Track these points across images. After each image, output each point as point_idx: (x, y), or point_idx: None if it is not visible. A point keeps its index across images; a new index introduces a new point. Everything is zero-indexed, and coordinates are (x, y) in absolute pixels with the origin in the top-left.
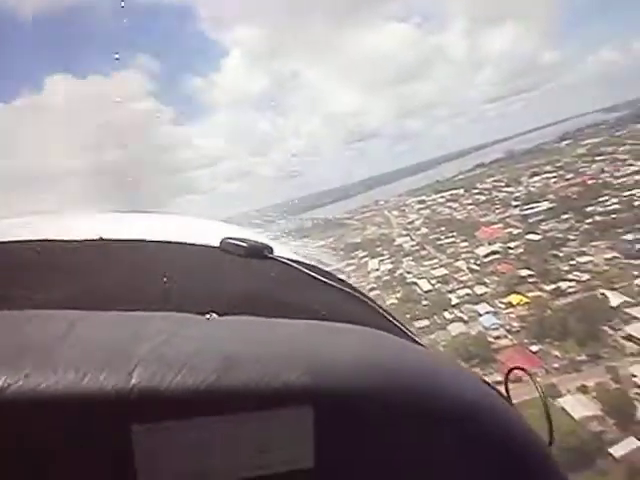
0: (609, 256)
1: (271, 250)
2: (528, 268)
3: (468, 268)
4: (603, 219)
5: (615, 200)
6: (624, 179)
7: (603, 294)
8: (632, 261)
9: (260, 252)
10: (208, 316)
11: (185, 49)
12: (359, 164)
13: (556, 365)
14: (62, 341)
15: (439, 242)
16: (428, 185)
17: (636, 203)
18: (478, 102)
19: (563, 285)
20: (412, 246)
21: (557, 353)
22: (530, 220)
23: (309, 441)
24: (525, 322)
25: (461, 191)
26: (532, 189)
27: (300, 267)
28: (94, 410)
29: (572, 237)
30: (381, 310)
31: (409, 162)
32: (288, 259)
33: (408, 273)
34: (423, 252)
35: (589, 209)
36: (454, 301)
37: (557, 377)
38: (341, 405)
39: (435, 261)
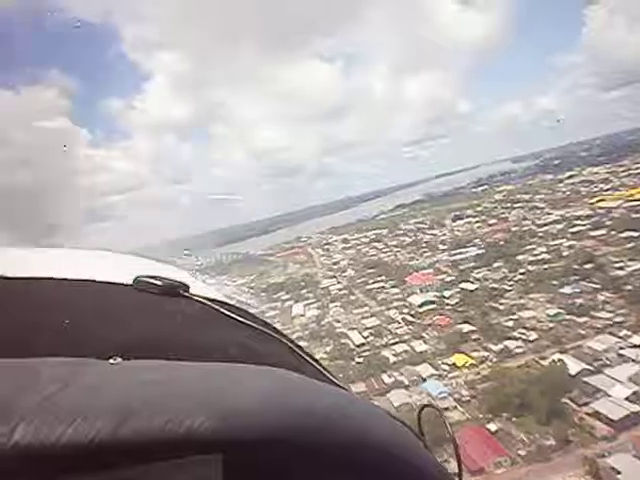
0: (552, 312)
1: (187, 288)
2: (468, 322)
3: (403, 319)
4: (536, 269)
5: (543, 249)
6: (546, 227)
7: (561, 360)
8: (576, 318)
9: (175, 290)
10: (112, 360)
11: (105, 70)
12: (280, 198)
13: (522, 452)
14: None
15: (367, 287)
16: (350, 223)
17: (565, 253)
18: (396, 145)
19: (510, 344)
20: (339, 289)
21: (520, 435)
22: (461, 267)
23: None
24: (475, 390)
25: (384, 231)
26: (457, 233)
27: (215, 306)
28: None
29: (508, 287)
30: (296, 349)
31: (330, 199)
32: (204, 297)
33: (337, 322)
34: (352, 297)
35: (520, 257)
36: (391, 359)
37: (526, 468)
38: (248, 450)
39: (365, 309)
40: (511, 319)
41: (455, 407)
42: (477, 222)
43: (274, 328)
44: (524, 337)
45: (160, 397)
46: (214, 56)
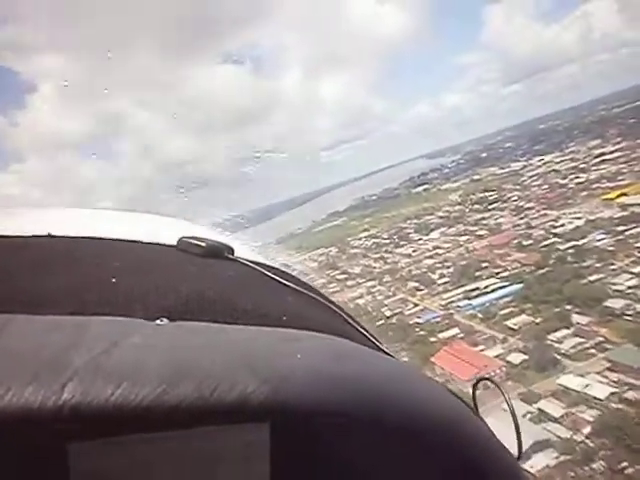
0: None
1: (232, 251)
2: None
3: None
4: None
5: (630, 281)
6: (584, 240)
7: None
8: None
9: (219, 252)
10: (158, 321)
11: None
12: (194, 212)
13: None
14: None
15: None
16: (282, 238)
17: None
18: (312, 149)
19: None
20: None
21: None
22: (509, 323)
23: (265, 459)
24: None
25: (333, 250)
26: (443, 252)
27: (262, 269)
28: (19, 429)
29: None
30: (346, 316)
31: (248, 208)
32: (249, 260)
33: None
34: None
35: (610, 303)
36: None
37: None
38: (300, 420)
39: None
40: None
41: None
42: (459, 234)
43: (320, 293)
44: None
45: (209, 361)
46: (111, 60)
